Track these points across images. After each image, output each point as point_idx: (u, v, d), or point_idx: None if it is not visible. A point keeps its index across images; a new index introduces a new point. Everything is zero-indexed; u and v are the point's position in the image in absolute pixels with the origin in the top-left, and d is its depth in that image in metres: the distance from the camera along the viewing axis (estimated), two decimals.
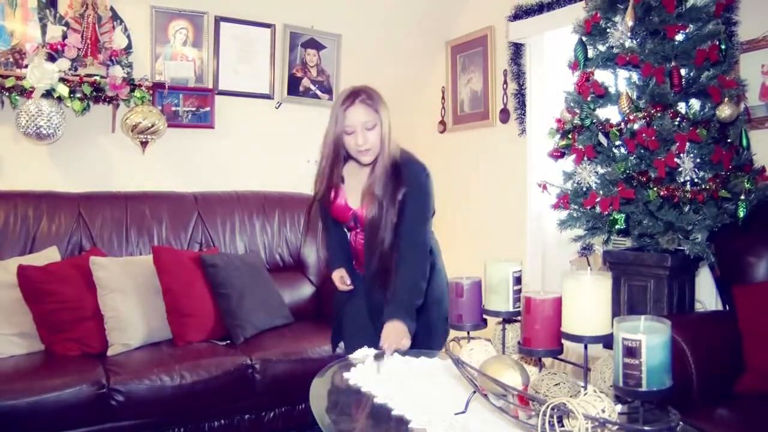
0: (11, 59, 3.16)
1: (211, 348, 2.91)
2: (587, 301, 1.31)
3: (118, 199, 3.35)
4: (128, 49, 3.52)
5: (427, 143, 4.72)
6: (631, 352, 1.11)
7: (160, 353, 2.83)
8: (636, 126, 2.49)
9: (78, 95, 3.28)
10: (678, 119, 2.46)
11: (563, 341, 1.39)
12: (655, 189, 2.41)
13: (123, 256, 3.21)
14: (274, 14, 4.04)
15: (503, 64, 4.04)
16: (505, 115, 4.03)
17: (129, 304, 2.88)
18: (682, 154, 2.39)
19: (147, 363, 2.69)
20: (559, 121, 2.83)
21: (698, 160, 2.43)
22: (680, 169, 2.38)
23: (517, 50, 3.93)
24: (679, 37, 2.52)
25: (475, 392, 1.51)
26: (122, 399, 2.52)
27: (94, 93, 3.33)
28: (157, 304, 2.99)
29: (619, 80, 2.73)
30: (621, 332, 1.14)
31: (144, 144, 3.58)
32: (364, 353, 2.02)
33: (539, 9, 3.70)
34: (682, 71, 2.49)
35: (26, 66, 3.11)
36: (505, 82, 4.03)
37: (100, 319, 2.83)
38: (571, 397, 1.26)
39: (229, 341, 3.01)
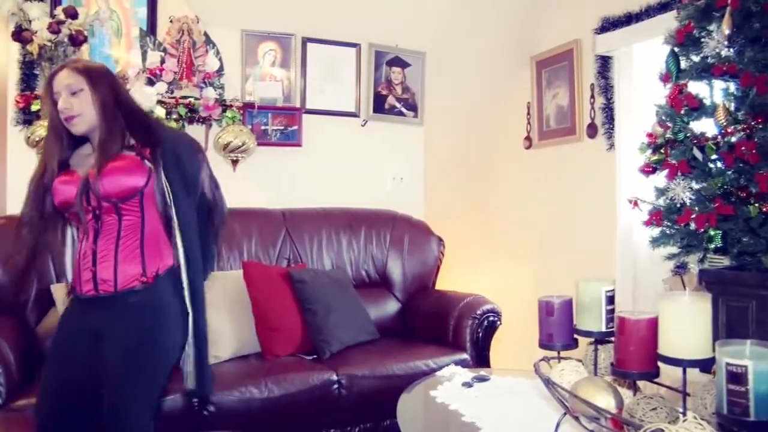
0: None
1: (298, 362, 2.96)
2: (686, 323, 1.26)
3: None
4: (220, 71, 3.67)
5: (513, 160, 4.67)
6: (737, 378, 1.05)
7: (249, 366, 2.91)
8: (734, 139, 2.38)
9: (174, 116, 3.44)
10: None
11: (659, 364, 1.34)
12: (756, 205, 2.29)
13: (214, 271, 3.31)
14: (360, 34, 4.12)
15: (590, 77, 3.95)
16: (592, 130, 3.94)
17: (220, 317, 2.97)
18: None
19: (237, 375, 2.77)
20: (650, 135, 2.74)
21: None
22: None
23: (604, 63, 3.84)
24: None
25: (565, 414, 1.48)
26: (213, 409, 2.60)
27: (189, 114, 3.49)
28: (246, 318, 3.08)
29: (714, 91, 2.62)
30: (724, 357, 1.09)
31: (235, 162, 3.71)
32: (452, 371, 2.01)
33: (627, 20, 3.61)
34: None
35: (129, 90, 3.29)
36: (592, 96, 3.94)
37: None
38: (669, 423, 1.21)
39: (315, 356, 3.06)
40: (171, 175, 1.94)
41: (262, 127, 3.85)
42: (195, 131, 3.64)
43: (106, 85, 1.95)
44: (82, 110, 1.91)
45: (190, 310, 1.96)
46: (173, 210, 1.94)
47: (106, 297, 1.89)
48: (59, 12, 3.14)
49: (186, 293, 1.96)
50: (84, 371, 1.91)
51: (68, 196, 1.91)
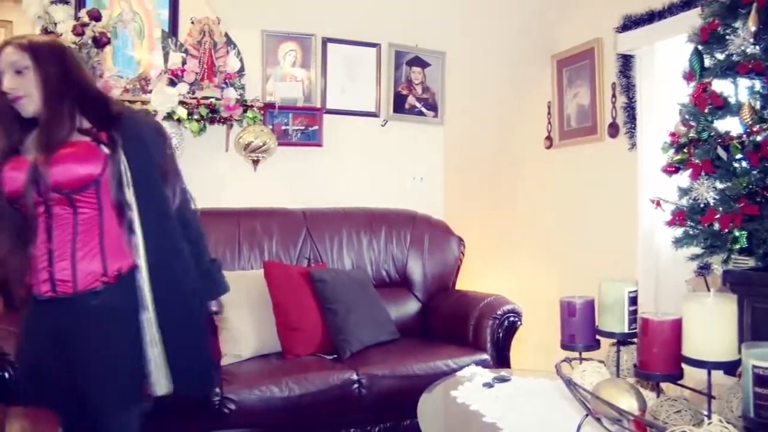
0: (138, 86, 3.39)
1: (319, 362, 2.97)
2: (710, 324, 1.25)
3: (231, 216, 3.49)
4: (241, 71, 3.69)
5: (534, 160, 4.65)
6: (764, 381, 1.04)
7: (270, 365, 2.93)
8: (760, 138, 2.35)
9: (195, 117, 3.47)
10: None
11: (683, 365, 1.33)
12: None
13: (235, 270, 3.34)
14: (380, 34, 4.12)
15: (611, 76, 3.92)
16: (614, 130, 3.91)
17: (242, 316, 2.99)
18: None
19: (257, 374, 2.79)
20: (673, 134, 2.71)
21: None
22: None
23: (625, 62, 3.81)
24: None
25: (587, 416, 1.47)
26: (234, 407, 2.61)
27: (210, 114, 3.52)
28: (267, 317, 3.09)
29: (740, 90, 2.58)
30: (750, 359, 1.07)
31: (255, 162, 3.73)
32: (472, 371, 2.01)
33: (649, 18, 3.57)
34: None
35: (150, 91, 3.32)
36: (614, 95, 3.91)
37: None
38: (694, 425, 1.20)
39: (335, 356, 3.06)
40: (133, 159, 1.77)
41: (283, 127, 3.86)
42: (216, 131, 3.67)
43: (53, 62, 1.76)
44: (29, 90, 1.73)
45: (150, 310, 1.76)
46: (133, 198, 1.76)
47: (65, 299, 1.74)
48: (83, 14, 3.18)
49: (146, 295, 1.75)
50: (51, 372, 1.79)
51: (18, 186, 1.73)
